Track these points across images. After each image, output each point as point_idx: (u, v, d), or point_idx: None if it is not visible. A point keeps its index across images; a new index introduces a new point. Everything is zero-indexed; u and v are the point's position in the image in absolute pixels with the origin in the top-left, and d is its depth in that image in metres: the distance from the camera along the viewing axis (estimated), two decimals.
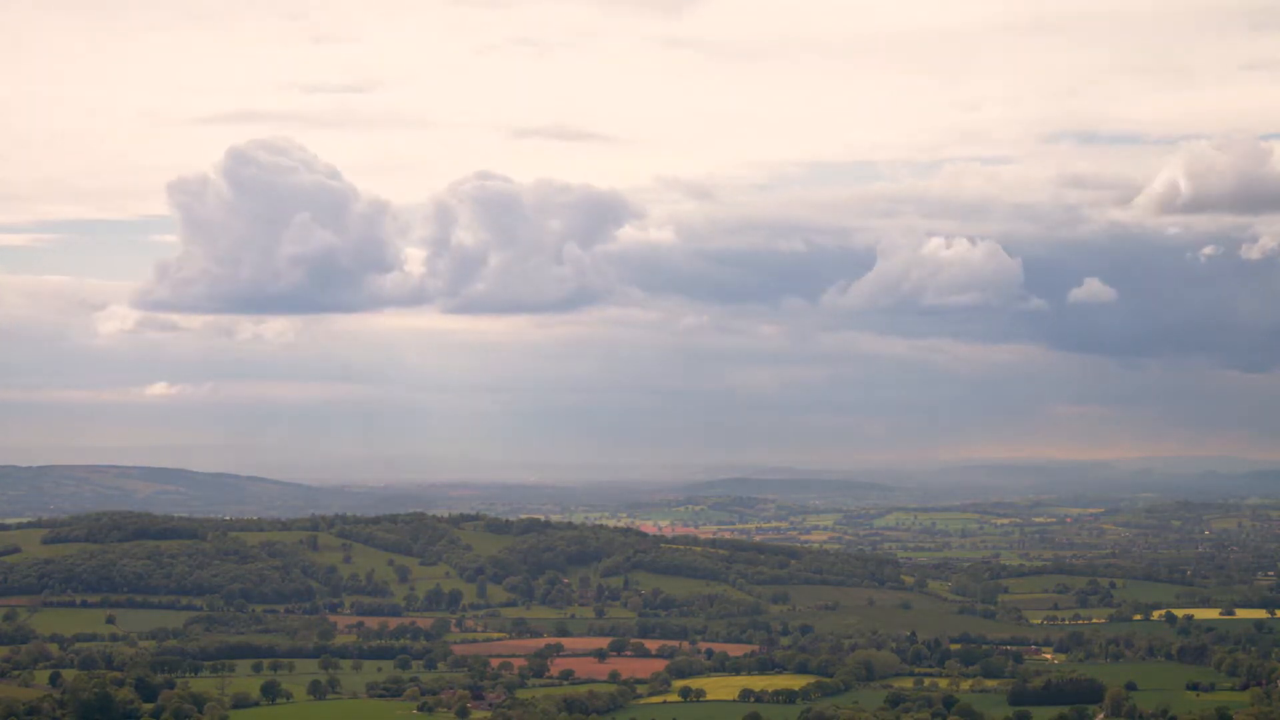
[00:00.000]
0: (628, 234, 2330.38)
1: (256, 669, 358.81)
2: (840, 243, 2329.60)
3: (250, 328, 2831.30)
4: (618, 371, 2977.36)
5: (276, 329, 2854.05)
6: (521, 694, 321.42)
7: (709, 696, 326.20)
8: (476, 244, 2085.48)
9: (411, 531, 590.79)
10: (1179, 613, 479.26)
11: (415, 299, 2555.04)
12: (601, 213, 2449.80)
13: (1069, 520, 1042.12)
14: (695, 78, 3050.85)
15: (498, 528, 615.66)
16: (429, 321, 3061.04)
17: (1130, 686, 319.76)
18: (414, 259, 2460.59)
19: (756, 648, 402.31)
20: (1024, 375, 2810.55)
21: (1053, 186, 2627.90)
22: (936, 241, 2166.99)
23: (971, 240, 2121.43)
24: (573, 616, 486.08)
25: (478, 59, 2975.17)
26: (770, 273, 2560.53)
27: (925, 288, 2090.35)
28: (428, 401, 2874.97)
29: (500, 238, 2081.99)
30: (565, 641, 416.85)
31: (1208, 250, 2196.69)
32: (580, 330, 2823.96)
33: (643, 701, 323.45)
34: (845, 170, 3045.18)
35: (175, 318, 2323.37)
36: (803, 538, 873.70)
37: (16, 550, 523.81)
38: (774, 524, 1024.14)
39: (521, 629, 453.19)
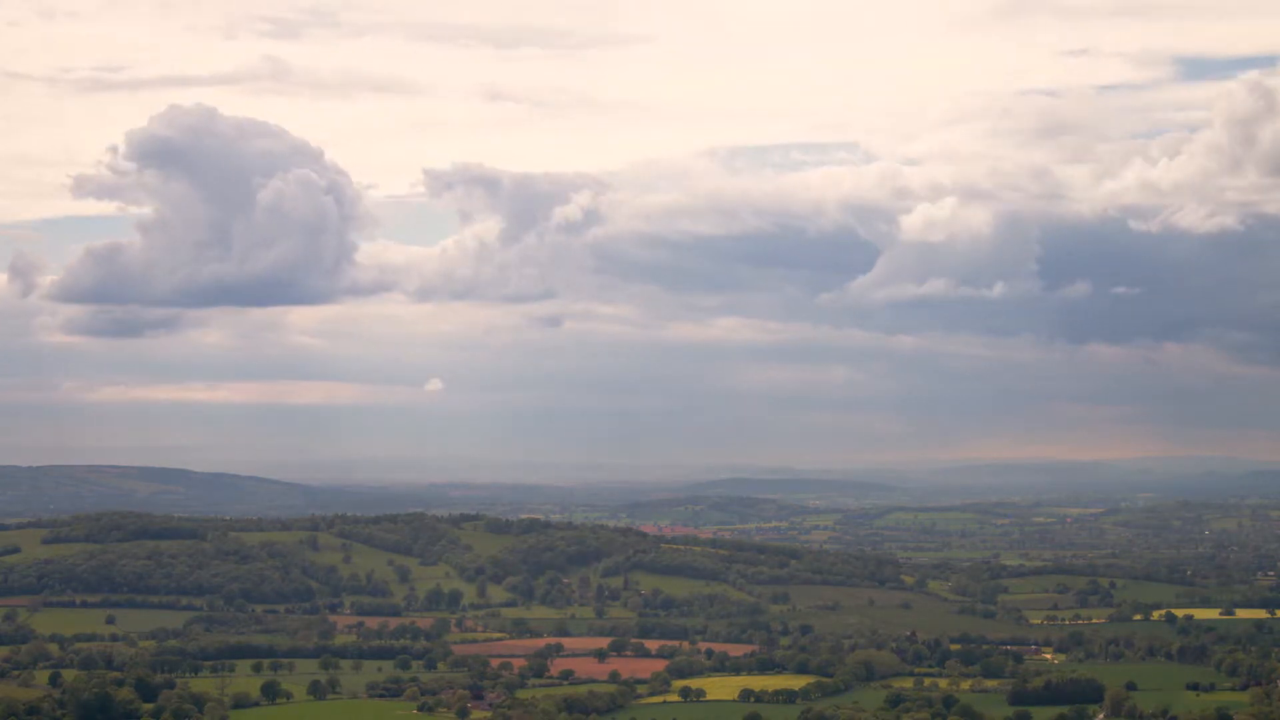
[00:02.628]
0: (619, 224, 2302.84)
1: (256, 669, 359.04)
2: (837, 232, 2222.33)
3: (240, 322, 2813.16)
4: (617, 370, 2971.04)
5: (262, 322, 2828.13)
6: (521, 694, 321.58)
7: (709, 696, 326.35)
8: (462, 233, 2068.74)
9: (411, 531, 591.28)
10: (1179, 613, 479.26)
11: (384, 287, 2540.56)
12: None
13: (1069, 520, 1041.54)
14: None
15: (498, 528, 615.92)
16: (416, 312, 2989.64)
17: (1130, 686, 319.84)
18: (387, 247, 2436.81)
19: (756, 648, 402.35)
20: (1024, 374, 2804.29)
21: (1036, 169, 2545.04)
22: (933, 231, 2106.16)
23: (969, 230, 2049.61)
24: (573, 616, 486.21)
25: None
26: (769, 266, 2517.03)
27: (924, 281, 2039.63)
28: (428, 400, 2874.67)
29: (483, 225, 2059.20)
30: (565, 641, 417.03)
31: (1210, 228, 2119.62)
32: (578, 327, 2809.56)
33: (643, 701, 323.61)
34: (834, 153, 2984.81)
35: (150, 312, 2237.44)
36: (803, 538, 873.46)
37: (16, 550, 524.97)
38: (774, 524, 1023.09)
39: (521, 629, 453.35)
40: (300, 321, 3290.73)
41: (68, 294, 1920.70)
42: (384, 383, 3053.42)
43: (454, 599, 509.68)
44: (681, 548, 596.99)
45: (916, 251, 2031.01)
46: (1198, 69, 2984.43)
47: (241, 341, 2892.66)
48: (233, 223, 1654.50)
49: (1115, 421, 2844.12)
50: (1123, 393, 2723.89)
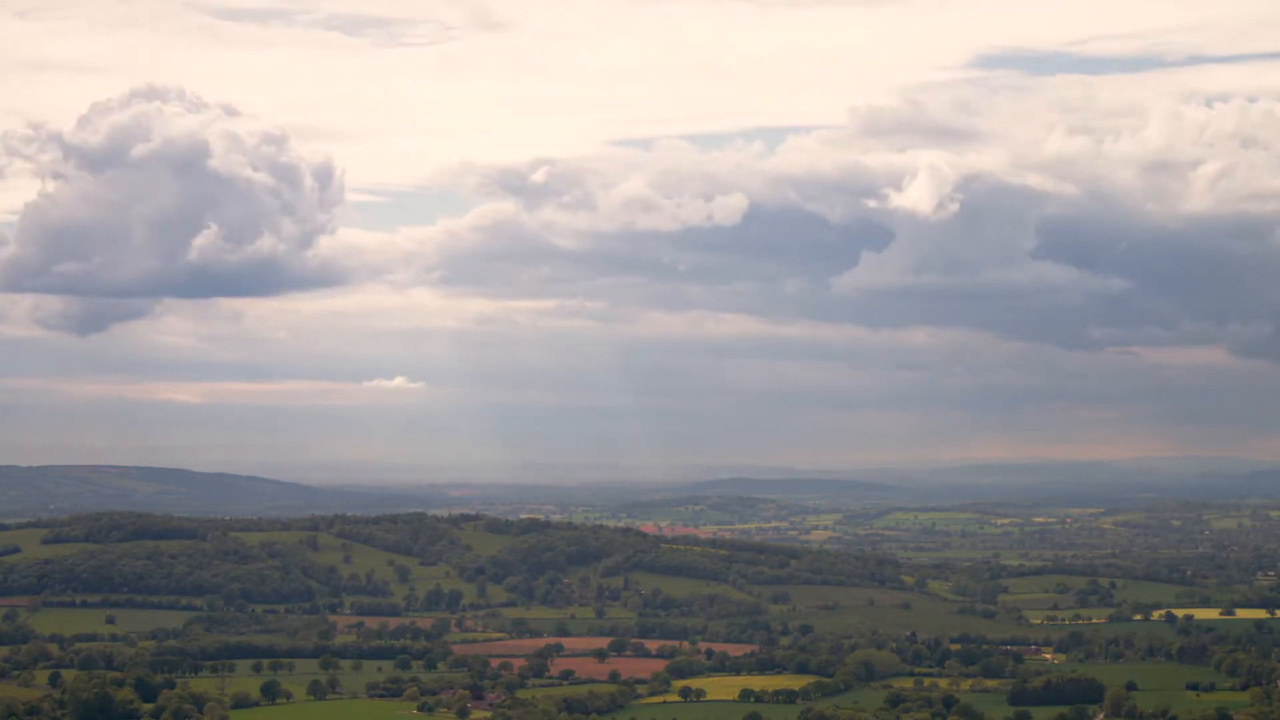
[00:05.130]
0: (612, 214, 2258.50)
1: (256, 669, 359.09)
2: (836, 221, 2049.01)
3: (210, 315, 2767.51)
4: (616, 369, 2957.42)
5: (232, 315, 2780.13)
6: (521, 694, 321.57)
7: (709, 696, 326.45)
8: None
9: (411, 531, 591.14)
10: (1179, 613, 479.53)
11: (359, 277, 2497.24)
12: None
13: (1069, 520, 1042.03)
14: None
15: (498, 528, 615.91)
16: (406, 304, 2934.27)
17: (1130, 686, 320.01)
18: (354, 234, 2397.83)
19: (756, 648, 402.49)
20: (1024, 374, 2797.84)
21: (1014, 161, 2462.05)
22: (927, 218, 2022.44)
23: (961, 218, 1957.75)
24: (573, 616, 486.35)
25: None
26: (765, 260, 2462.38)
27: (920, 273, 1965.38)
28: (427, 399, 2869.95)
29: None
30: (565, 641, 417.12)
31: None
32: (575, 325, 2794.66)
33: (643, 701, 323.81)
34: (829, 134, 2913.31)
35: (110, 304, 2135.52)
36: (803, 538, 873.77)
37: (16, 550, 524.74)
38: (774, 524, 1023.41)
39: (521, 629, 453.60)
40: (270, 314, 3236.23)
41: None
42: (368, 380, 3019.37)
43: (454, 599, 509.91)
44: (681, 548, 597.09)
45: (913, 240, 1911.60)
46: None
47: (213, 336, 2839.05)
48: (197, 210, 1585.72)
49: (1115, 421, 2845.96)
50: (1123, 393, 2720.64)
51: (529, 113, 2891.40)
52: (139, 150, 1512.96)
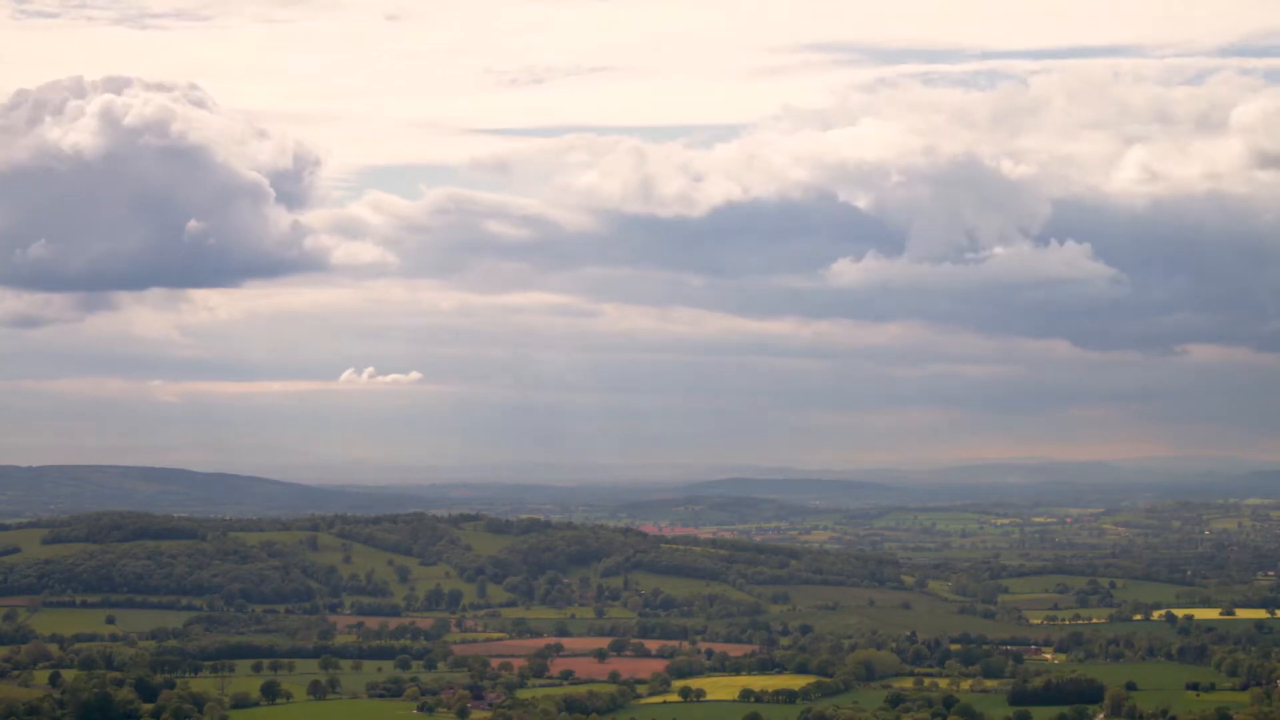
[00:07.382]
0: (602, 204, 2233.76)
1: (256, 669, 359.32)
2: (836, 211, 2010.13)
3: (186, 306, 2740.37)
4: (616, 369, 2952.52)
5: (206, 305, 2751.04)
6: (521, 694, 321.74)
7: (709, 696, 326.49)
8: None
9: (411, 531, 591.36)
10: (1179, 613, 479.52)
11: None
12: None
13: (1069, 520, 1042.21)
14: None
15: (498, 528, 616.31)
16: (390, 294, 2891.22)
17: (1130, 686, 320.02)
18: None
19: (756, 648, 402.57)
20: (1024, 373, 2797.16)
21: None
22: (934, 215, 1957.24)
23: (974, 219, 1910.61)
24: (573, 616, 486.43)
25: None
26: (763, 256, 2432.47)
27: (923, 267, 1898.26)
28: (427, 399, 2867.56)
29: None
30: (565, 641, 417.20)
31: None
32: (575, 323, 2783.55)
33: (643, 701, 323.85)
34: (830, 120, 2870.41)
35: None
36: (803, 538, 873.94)
37: (16, 550, 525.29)
38: (774, 524, 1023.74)
39: (521, 629, 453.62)
40: (240, 308, 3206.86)
41: None
42: (353, 374, 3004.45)
43: (454, 599, 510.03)
44: (681, 548, 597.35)
45: (905, 233, 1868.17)
46: None
47: (192, 328, 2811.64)
48: (166, 199, 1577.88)
49: (1115, 421, 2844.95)
50: (1123, 393, 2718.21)
51: (504, 104, 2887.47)
52: (105, 138, 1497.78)
